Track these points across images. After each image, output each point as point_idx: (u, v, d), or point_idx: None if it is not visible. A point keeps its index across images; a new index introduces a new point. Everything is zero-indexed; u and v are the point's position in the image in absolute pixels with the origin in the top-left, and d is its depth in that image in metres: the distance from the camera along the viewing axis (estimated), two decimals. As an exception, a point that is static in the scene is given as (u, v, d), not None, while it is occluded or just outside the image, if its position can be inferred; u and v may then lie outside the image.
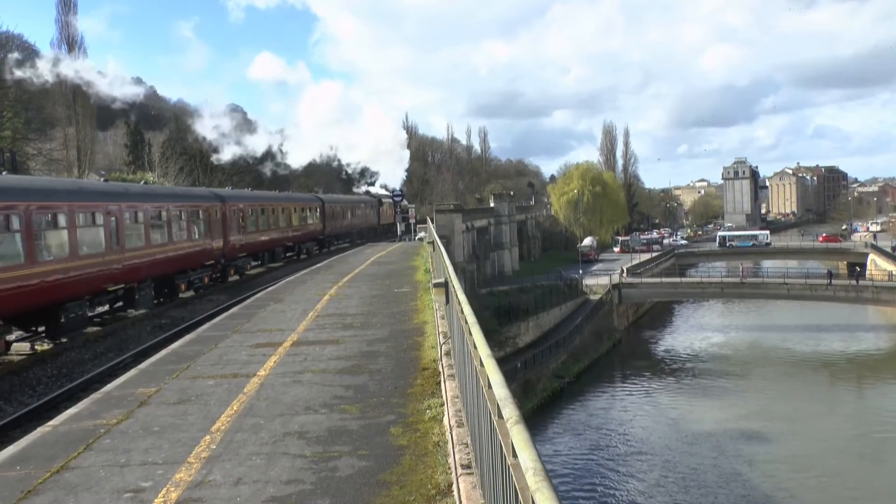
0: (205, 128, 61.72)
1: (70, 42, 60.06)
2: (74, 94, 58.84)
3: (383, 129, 70.04)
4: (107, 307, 25.40)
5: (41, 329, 21.14)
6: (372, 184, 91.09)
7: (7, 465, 8.04)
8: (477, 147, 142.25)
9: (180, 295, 30.23)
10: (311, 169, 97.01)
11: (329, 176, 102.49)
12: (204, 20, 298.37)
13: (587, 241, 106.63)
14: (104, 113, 74.04)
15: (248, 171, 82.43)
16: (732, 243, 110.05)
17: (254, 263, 40.62)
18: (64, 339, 21.49)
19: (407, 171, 79.81)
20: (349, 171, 77.36)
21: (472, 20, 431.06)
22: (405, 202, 67.13)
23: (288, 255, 46.58)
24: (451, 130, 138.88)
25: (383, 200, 71.53)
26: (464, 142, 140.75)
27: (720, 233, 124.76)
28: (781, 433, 43.91)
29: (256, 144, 63.90)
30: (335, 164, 74.93)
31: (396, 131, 76.02)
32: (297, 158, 66.15)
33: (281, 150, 67.08)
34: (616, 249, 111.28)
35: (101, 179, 39.53)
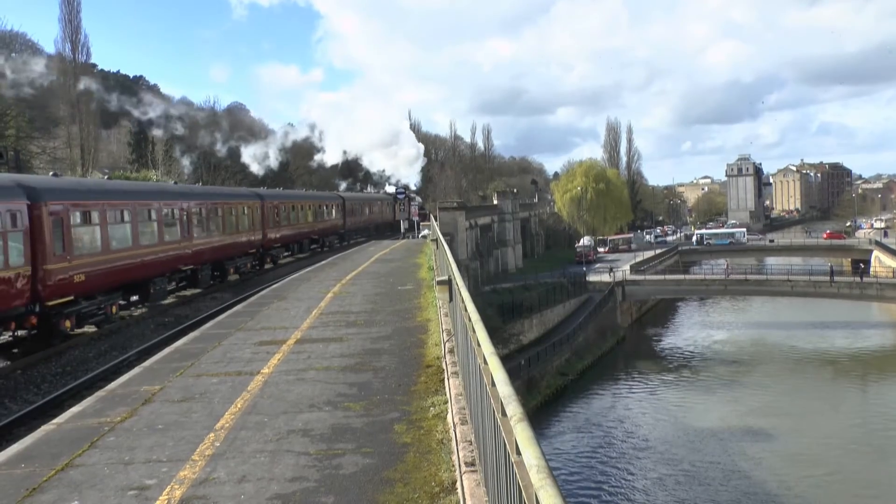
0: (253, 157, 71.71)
1: (74, 41, 60.18)
2: (78, 93, 58.98)
3: (403, 135, 77.87)
4: (170, 284, 29.37)
5: (135, 298, 26.67)
6: (375, 182, 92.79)
7: (12, 463, 8.06)
8: (480, 144, 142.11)
9: (228, 278, 35.05)
10: (314, 168, 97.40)
11: (330, 172, 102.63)
12: (207, 17, 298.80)
13: (585, 240, 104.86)
14: (107, 111, 74.21)
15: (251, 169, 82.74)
16: (710, 241, 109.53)
17: (285, 254, 45.54)
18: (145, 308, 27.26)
19: (421, 171, 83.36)
20: (373, 172, 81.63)
21: (475, 17, 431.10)
22: (419, 199, 70.37)
23: (313, 247, 50.94)
24: (455, 128, 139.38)
25: (398, 198, 74.30)
26: (467, 139, 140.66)
27: (697, 231, 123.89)
28: (785, 430, 43.86)
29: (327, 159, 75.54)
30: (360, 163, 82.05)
31: (411, 136, 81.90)
32: (330, 158, 75.66)
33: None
34: (603, 250, 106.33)
35: (105, 178, 41.00)
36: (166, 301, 28.77)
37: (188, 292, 31.39)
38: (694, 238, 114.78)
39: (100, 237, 22.97)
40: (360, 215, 64.13)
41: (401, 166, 79.61)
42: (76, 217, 21.52)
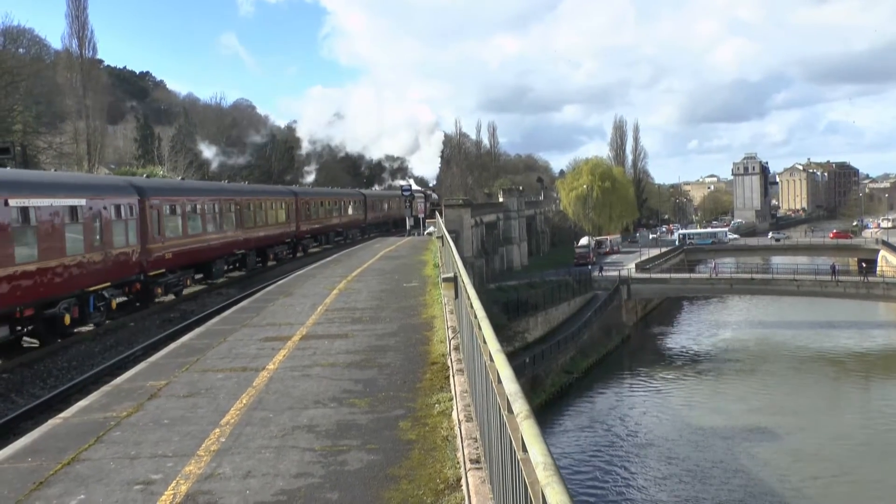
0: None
1: (81, 37, 60.27)
2: (85, 88, 59.07)
3: (423, 135, 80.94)
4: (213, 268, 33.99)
5: (199, 276, 32.19)
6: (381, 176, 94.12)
7: (19, 457, 8.09)
8: (486, 142, 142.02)
9: (268, 262, 41.06)
10: (321, 164, 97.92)
11: (336, 169, 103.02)
12: (213, 14, 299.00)
13: (584, 241, 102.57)
14: (114, 107, 74.39)
15: (257, 166, 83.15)
16: (692, 241, 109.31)
17: (314, 244, 50.86)
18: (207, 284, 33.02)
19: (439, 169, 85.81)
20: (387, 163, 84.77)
21: (481, 14, 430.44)
22: (435, 196, 76.04)
23: (337, 238, 56.26)
24: (460, 125, 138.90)
25: (416, 195, 76.66)
26: (473, 136, 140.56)
27: (680, 231, 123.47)
28: (790, 429, 43.80)
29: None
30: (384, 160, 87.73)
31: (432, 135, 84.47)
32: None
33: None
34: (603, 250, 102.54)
35: (111, 173, 42.43)
36: (167, 298, 28.87)
37: (235, 274, 37.28)
38: (676, 237, 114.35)
39: (181, 225, 29.34)
40: (379, 210, 70.31)
41: (418, 162, 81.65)
42: (167, 209, 28.00)
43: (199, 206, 31.16)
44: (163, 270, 27.33)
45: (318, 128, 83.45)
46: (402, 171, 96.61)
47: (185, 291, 30.12)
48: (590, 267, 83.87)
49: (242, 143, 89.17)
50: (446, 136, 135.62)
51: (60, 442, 8.54)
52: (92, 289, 22.20)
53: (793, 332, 71.62)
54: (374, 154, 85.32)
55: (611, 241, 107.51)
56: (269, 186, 51.87)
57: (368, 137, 79.74)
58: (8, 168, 23.31)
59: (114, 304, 23.91)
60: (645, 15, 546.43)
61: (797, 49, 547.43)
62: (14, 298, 18.23)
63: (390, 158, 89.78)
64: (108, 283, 23.27)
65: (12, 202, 18.27)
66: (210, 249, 32.12)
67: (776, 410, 47.52)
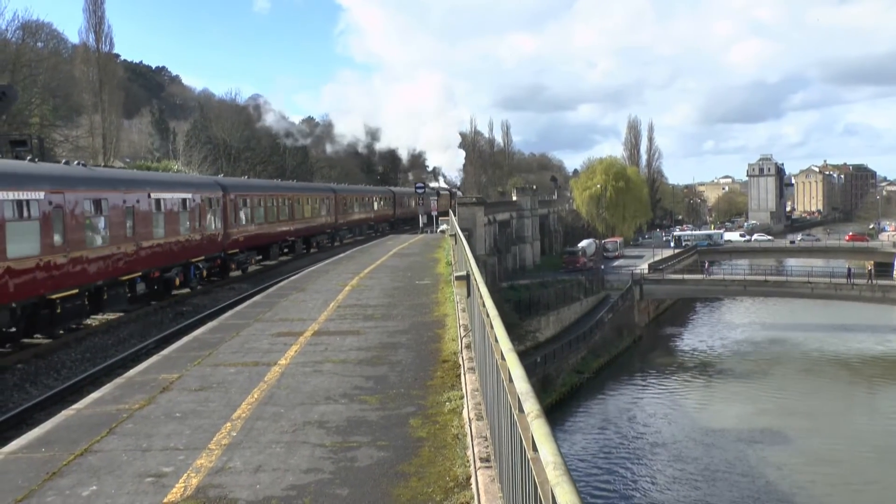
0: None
1: (97, 31, 60.54)
2: (101, 82, 59.33)
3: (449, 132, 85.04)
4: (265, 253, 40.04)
5: (259, 258, 39.12)
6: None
7: (33, 447, 8.15)
8: (500, 140, 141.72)
9: (311, 250, 46.61)
10: (335, 160, 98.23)
11: (352, 165, 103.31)
12: (229, 9, 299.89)
13: (584, 243, 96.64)
14: (129, 101, 74.68)
15: (270, 161, 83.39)
16: (688, 243, 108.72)
17: (349, 235, 56.27)
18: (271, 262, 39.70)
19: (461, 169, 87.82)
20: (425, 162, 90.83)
21: (498, 12, 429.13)
22: (460, 193, 78.17)
23: (369, 231, 62.06)
24: (475, 123, 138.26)
25: (441, 192, 79.08)
26: (486, 135, 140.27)
27: (675, 233, 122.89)
28: (803, 431, 43.63)
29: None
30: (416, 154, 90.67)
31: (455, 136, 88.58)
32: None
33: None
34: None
35: (125, 167, 43.11)
36: (181, 290, 29.02)
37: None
38: (671, 239, 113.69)
39: (250, 215, 36.22)
40: (406, 206, 75.23)
41: (446, 161, 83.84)
42: (240, 202, 34.87)
43: (262, 201, 38.06)
44: (236, 251, 34.33)
45: (357, 121, 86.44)
46: (418, 167, 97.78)
47: (250, 269, 37.03)
48: (602, 267, 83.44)
49: (256, 138, 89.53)
50: (460, 133, 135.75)
51: (73, 433, 8.60)
52: (193, 261, 29.26)
53: (806, 334, 71.21)
54: (404, 152, 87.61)
55: (615, 243, 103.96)
56: (313, 184, 59.16)
57: (406, 136, 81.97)
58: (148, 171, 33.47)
59: (204, 274, 31.12)
60: (662, 14, 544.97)
61: (816, 50, 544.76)
62: (151, 263, 25.51)
63: (415, 156, 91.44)
64: (203, 258, 30.34)
65: (153, 195, 25.65)
66: (269, 236, 38.88)
67: (789, 413, 47.31)
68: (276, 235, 40.02)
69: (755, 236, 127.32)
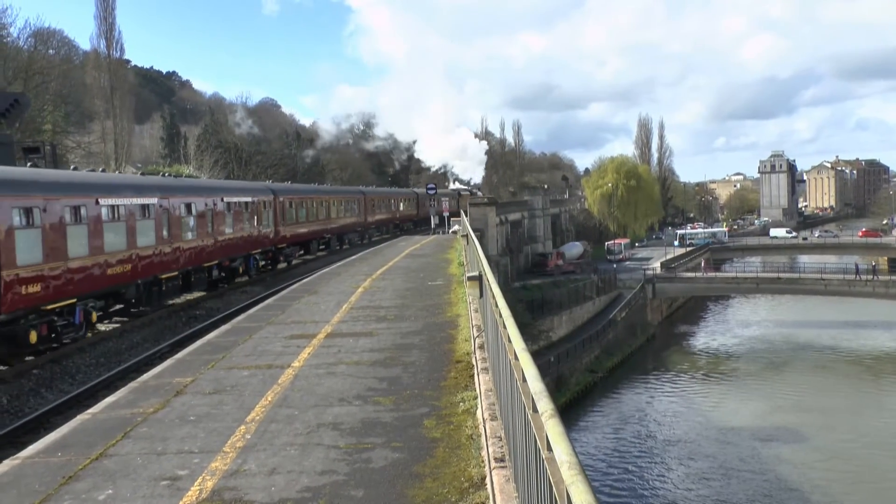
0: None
1: (108, 37, 60.90)
2: (112, 88, 59.66)
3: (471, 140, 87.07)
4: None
5: (301, 252, 44.46)
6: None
7: (49, 451, 8.19)
8: (511, 140, 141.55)
9: (343, 246, 51.20)
10: (344, 163, 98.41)
11: (362, 167, 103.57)
12: (238, 13, 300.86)
13: (567, 246, 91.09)
14: (141, 106, 74.99)
15: (282, 164, 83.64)
16: (692, 241, 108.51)
17: (376, 233, 61.03)
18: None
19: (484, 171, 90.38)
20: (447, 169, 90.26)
21: (507, 11, 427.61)
22: (479, 193, 79.36)
23: (395, 230, 66.23)
24: (485, 123, 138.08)
25: (462, 193, 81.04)
26: (497, 135, 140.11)
27: (679, 231, 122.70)
28: (817, 428, 43.44)
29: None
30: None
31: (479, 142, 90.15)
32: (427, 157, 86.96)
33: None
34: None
35: (138, 173, 43.44)
36: (192, 294, 29.12)
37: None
38: (676, 239, 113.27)
39: (295, 215, 41.41)
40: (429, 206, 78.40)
41: (468, 165, 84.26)
42: (287, 204, 40.10)
43: (304, 203, 43.54)
44: (284, 245, 39.47)
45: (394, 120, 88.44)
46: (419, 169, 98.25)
47: (294, 262, 41.68)
48: (615, 266, 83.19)
49: (267, 141, 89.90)
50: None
51: (89, 437, 8.63)
52: (252, 253, 34.62)
53: (820, 331, 70.81)
54: (427, 158, 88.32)
55: (620, 245, 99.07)
56: (345, 188, 65.23)
57: (430, 138, 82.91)
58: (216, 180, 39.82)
59: (260, 265, 35.99)
60: (673, 11, 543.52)
61: (828, 45, 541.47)
62: (224, 254, 30.92)
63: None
64: (259, 251, 35.71)
65: (225, 199, 31.33)
66: (310, 233, 44.44)
67: (803, 410, 47.12)
68: (316, 233, 45.85)
69: (780, 232, 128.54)
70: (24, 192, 17.74)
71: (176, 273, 26.08)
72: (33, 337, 17.64)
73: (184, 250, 26.69)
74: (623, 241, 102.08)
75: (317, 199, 46.58)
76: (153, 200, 24.41)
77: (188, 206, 27.41)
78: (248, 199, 34.31)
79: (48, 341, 18.75)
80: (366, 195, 59.04)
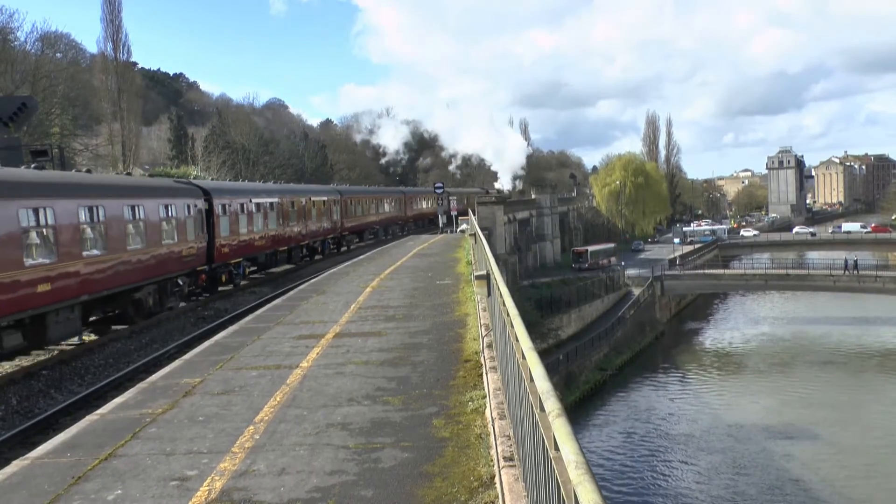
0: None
1: (115, 40, 61.07)
2: (119, 91, 59.85)
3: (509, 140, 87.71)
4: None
5: (357, 240, 54.45)
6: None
7: (59, 452, 8.21)
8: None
9: (385, 236, 58.94)
10: (352, 162, 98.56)
11: (371, 168, 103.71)
12: (245, 14, 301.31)
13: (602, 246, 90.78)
14: (148, 108, 75.18)
15: (289, 164, 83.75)
16: (693, 238, 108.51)
17: (412, 226, 68.28)
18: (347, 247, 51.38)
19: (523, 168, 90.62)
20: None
21: (515, 9, 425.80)
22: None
23: (428, 224, 72.42)
24: (494, 122, 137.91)
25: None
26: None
27: (683, 229, 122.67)
28: (827, 423, 43.34)
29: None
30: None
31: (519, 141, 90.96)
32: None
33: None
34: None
35: (146, 174, 43.46)
36: (195, 295, 29.23)
37: (363, 243, 54.02)
38: (677, 237, 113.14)
39: (354, 210, 51.37)
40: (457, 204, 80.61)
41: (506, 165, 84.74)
42: (348, 202, 50.36)
43: (360, 200, 54.11)
44: (346, 233, 50.08)
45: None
46: (439, 167, 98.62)
47: (352, 246, 50.52)
48: (623, 263, 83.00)
49: (275, 141, 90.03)
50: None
51: (98, 438, 8.65)
52: (327, 238, 45.27)
53: (829, 327, 70.58)
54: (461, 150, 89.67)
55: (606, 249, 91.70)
56: (388, 188, 76.03)
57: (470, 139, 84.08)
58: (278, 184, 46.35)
59: (332, 246, 47.06)
60: (682, 8, 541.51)
61: (839, 39, 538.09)
62: (311, 238, 42.04)
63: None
64: (331, 237, 46.82)
65: (312, 198, 42.35)
66: (363, 225, 54.98)
67: (812, 405, 47.02)
68: (367, 225, 56.42)
69: (796, 229, 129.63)
70: (228, 196, 31.10)
71: (285, 248, 37.65)
72: (223, 279, 30.00)
73: (288, 234, 37.95)
74: (609, 245, 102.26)
75: (369, 198, 58.14)
76: (274, 199, 36.06)
77: (291, 203, 38.74)
78: (324, 198, 45.57)
79: (229, 283, 30.91)
80: (405, 194, 69.58)
